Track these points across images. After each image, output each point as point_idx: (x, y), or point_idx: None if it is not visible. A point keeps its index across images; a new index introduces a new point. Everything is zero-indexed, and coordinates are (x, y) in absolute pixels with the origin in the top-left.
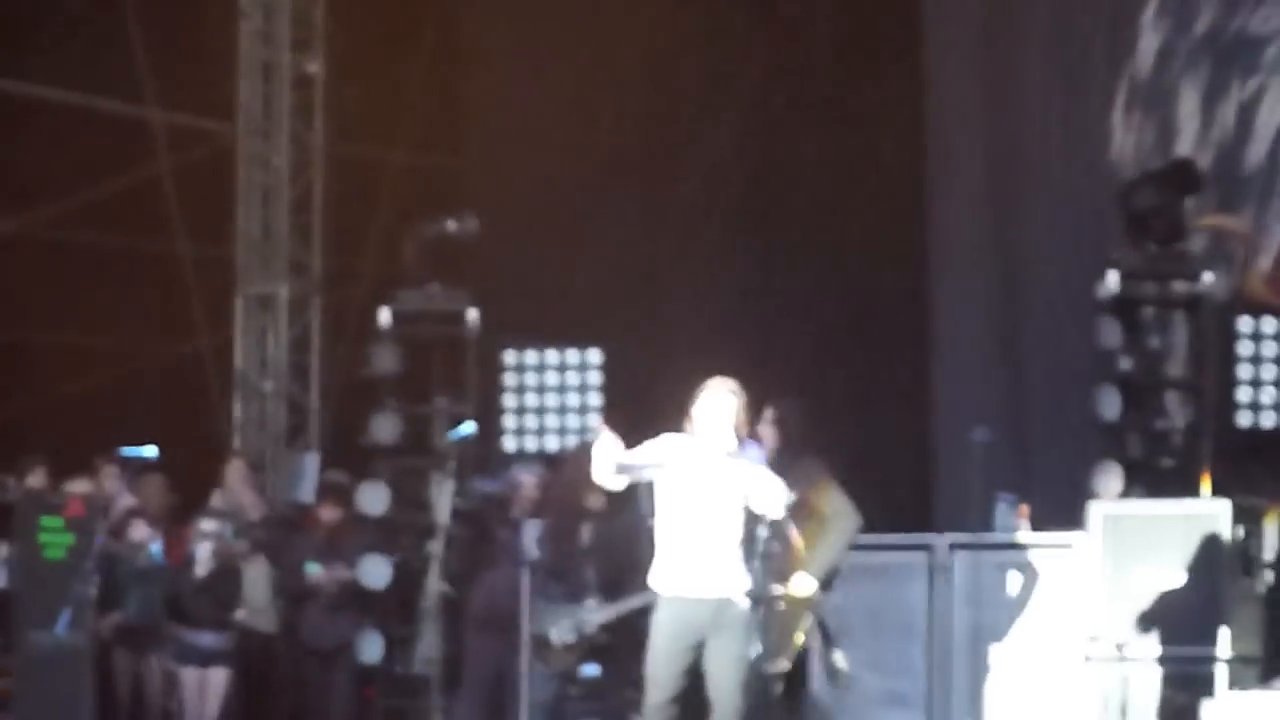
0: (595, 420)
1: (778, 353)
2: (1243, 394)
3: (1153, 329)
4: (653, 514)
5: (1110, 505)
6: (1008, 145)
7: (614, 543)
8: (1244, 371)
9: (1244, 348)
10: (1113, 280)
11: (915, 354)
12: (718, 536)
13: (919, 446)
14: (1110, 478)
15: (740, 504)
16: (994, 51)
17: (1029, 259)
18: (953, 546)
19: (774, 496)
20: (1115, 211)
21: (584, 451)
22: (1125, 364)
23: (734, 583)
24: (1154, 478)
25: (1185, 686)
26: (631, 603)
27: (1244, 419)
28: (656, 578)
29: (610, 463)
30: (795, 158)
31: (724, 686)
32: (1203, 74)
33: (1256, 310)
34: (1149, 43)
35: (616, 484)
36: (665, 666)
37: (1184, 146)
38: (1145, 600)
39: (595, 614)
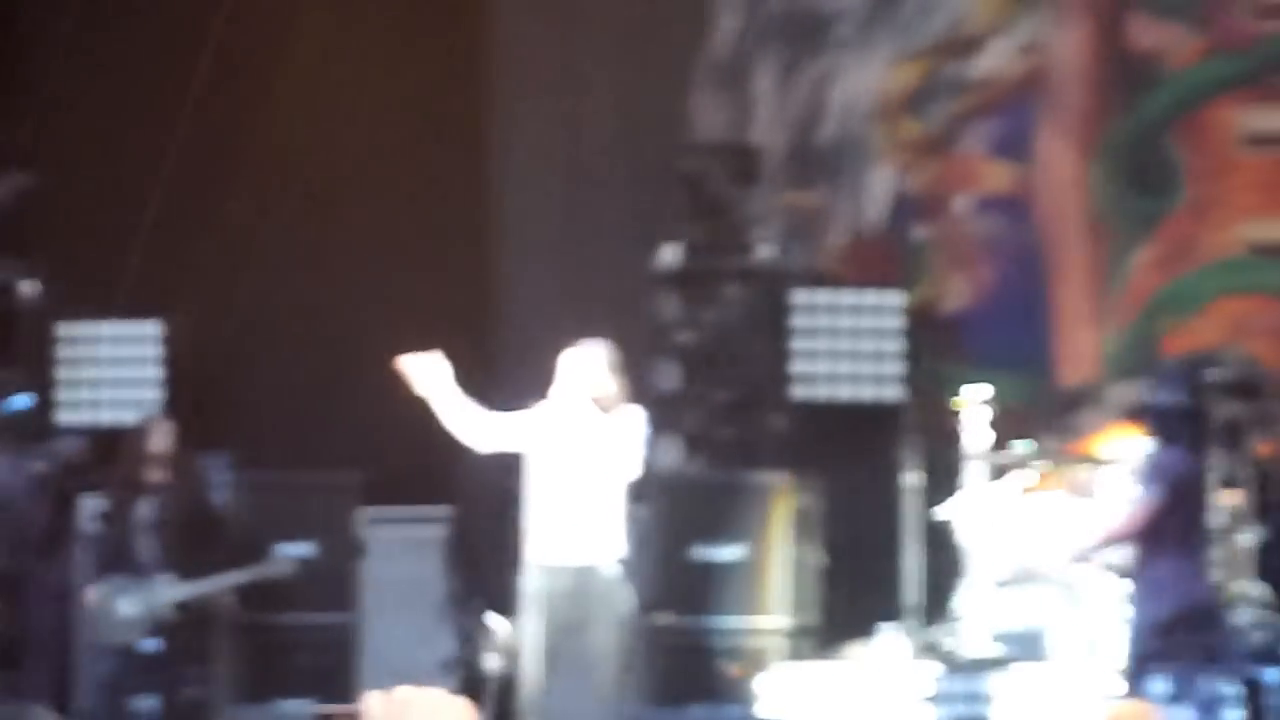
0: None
1: (342, 320)
2: (799, 366)
3: (710, 302)
4: (209, 489)
5: (668, 475)
6: (579, 122)
7: (177, 518)
8: (800, 344)
9: (800, 320)
10: (671, 253)
11: (477, 320)
12: (585, 503)
13: None
14: (668, 449)
15: (612, 467)
16: (567, 37)
17: (597, 233)
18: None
19: (630, 458)
20: (680, 187)
21: (144, 425)
22: (683, 336)
23: (603, 549)
24: (712, 449)
25: (742, 657)
26: (214, 582)
27: (800, 391)
28: (529, 548)
29: (473, 423)
30: (360, 125)
31: (600, 655)
32: (776, 53)
33: (831, 284)
34: (726, 22)
35: (484, 443)
36: (536, 641)
37: (760, 125)
38: (703, 570)
39: (171, 590)
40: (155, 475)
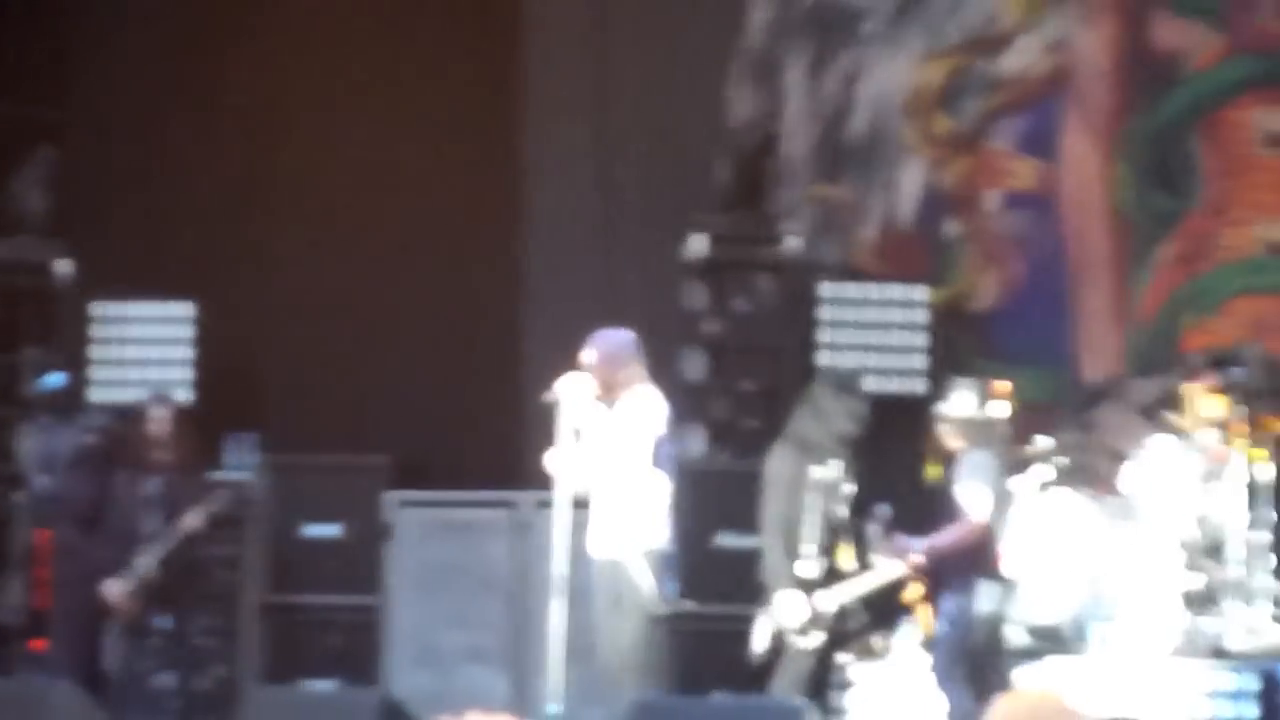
0: None
1: (372, 308)
2: (825, 357)
3: (738, 292)
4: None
5: (693, 464)
6: (609, 111)
7: (181, 498)
8: (826, 335)
9: (826, 312)
10: (699, 243)
11: (506, 308)
12: (611, 496)
13: (509, 402)
14: (694, 438)
15: (630, 456)
16: (599, 24)
17: (627, 223)
18: (537, 504)
19: (645, 440)
20: (710, 178)
21: (146, 406)
22: (710, 326)
23: (628, 539)
24: (738, 439)
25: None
26: (178, 532)
27: None
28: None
29: (560, 472)
30: (394, 115)
31: (616, 642)
32: (807, 46)
33: (863, 278)
34: (759, 16)
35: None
36: (599, 632)
37: (792, 118)
38: (727, 559)
39: (150, 556)
40: (159, 455)
